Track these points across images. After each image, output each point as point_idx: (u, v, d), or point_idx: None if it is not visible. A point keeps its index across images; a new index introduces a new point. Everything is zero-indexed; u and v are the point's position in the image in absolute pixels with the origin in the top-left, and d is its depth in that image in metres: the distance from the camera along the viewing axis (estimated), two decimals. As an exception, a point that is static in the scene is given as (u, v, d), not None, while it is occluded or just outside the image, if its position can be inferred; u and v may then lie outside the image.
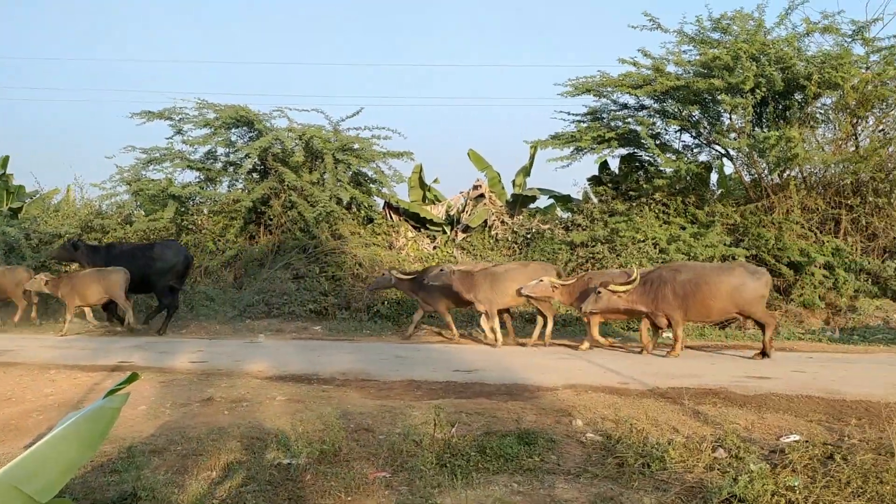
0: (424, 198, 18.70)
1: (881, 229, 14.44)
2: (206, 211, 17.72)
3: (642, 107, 16.07)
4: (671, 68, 15.03)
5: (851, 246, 14.37)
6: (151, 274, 13.25)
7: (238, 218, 17.02)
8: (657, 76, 14.70)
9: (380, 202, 18.43)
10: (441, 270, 11.61)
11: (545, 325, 11.56)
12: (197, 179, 17.76)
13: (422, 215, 17.73)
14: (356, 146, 17.25)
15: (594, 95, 16.01)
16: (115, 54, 56.60)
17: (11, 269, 14.55)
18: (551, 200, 18.59)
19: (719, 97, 13.67)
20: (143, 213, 18.01)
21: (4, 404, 7.06)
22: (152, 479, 4.67)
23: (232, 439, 5.57)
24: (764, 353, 9.88)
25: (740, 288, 9.83)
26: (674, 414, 6.34)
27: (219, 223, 17.21)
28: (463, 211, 17.88)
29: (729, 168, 16.67)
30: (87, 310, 13.94)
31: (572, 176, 35.46)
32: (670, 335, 12.94)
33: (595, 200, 16.73)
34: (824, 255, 13.89)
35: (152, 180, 17.18)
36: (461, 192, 18.43)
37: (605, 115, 16.30)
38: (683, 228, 14.80)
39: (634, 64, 15.27)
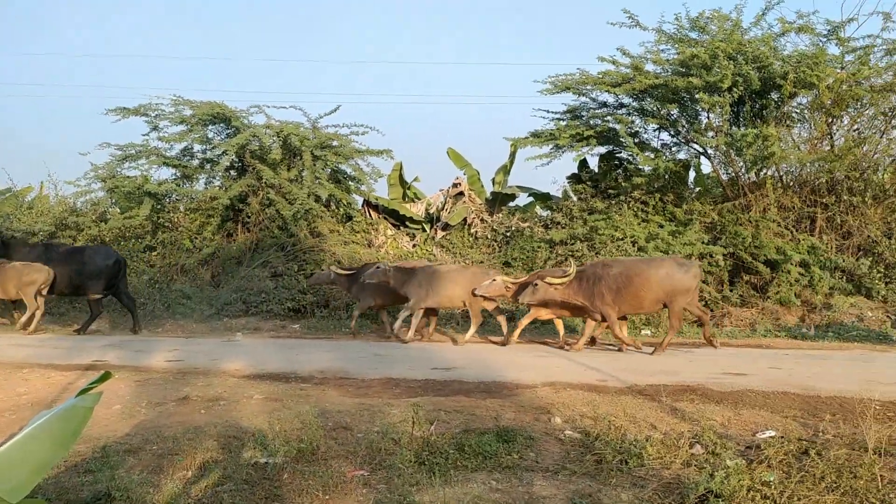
0: (405, 196, 18.66)
1: (855, 228, 14.62)
2: (182, 208, 17.54)
3: (621, 105, 16.14)
4: (650, 67, 15.12)
5: (826, 244, 14.54)
6: (82, 278, 13.08)
7: (215, 215, 16.86)
8: (636, 74, 14.77)
9: (359, 200, 18.37)
10: (377, 268, 11.78)
11: (511, 325, 11.74)
12: (173, 177, 17.58)
13: (401, 213, 17.68)
14: (335, 143, 17.18)
15: (574, 93, 16.07)
16: (89, 49, 55.92)
17: None
18: (531, 198, 18.63)
19: (697, 96, 13.76)
20: (119, 210, 17.79)
21: (-25, 404, 6.94)
22: (127, 479, 4.61)
23: (208, 438, 5.51)
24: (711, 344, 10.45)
25: (670, 280, 10.24)
26: (652, 411, 6.37)
27: (196, 221, 17.05)
28: (442, 209, 17.86)
29: (707, 167, 16.83)
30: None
31: (552, 174, 35.64)
32: (649, 332, 13.06)
33: (574, 198, 16.79)
34: (800, 253, 14.04)
35: (128, 177, 16.96)
36: (441, 190, 18.41)
37: (584, 114, 16.35)
38: (662, 226, 14.89)
39: (614, 62, 15.33)
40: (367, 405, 6.67)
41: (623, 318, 11.05)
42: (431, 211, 18.13)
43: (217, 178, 17.65)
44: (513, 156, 18.24)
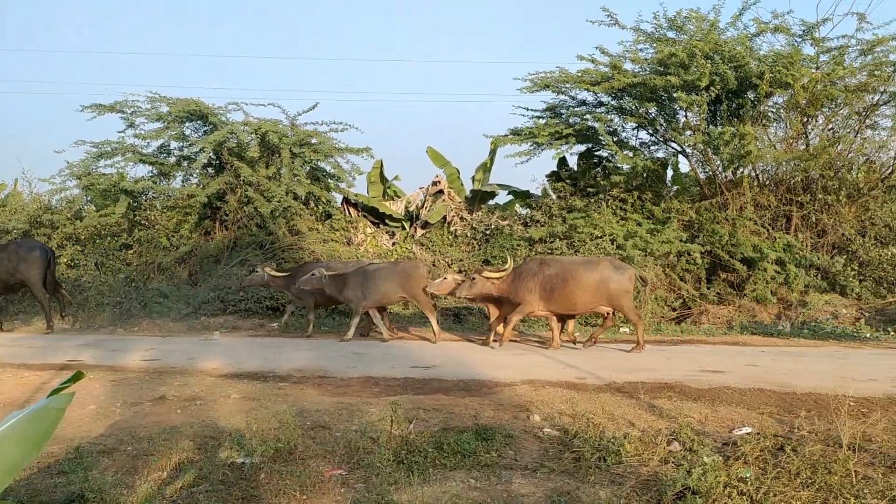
0: (385, 193, 18.60)
1: (830, 226, 14.81)
2: (159, 206, 17.32)
3: (600, 103, 16.20)
4: (628, 66, 15.20)
5: (802, 242, 14.72)
6: (12, 272, 13.00)
7: (192, 213, 16.70)
8: (615, 73, 14.83)
9: (338, 198, 18.28)
10: (312, 275, 11.86)
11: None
12: (150, 174, 17.39)
13: (381, 210, 17.62)
14: (314, 141, 17.07)
15: (553, 91, 16.10)
16: (64, 45, 55.19)
17: None
18: (511, 196, 18.65)
19: (675, 94, 13.84)
20: (94, 208, 17.57)
21: (-54, 405, 6.82)
22: (101, 480, 4.54)
23: (184, 438, 5.46)
24: (638, 346, 10.48)
25: (605, 282, 10.37)
26: (630, 408, 6.41)
27: (173, 219, 16.87)
28: (422, 207, 17.82)
29: (684, 166, 16.95)
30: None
31: (532, 172, 35.68)
32: (628, 329, 13.11)
33: (553, 196, 16.83)
34: (776, 250, 14.21)
35: (103, 175, 16.74)
36: (420, 188, 18.37)
37: (563, 112, 16.39)
38: (640, 224, 14.98)
39: (593, 61, 15.38)
40: (345, 404, 6.65)
41: (571, 317, 11.31)
42: (411, 209, 18.09)
43: (194, 175, 17.47)
44: (493, 153, 18.25)
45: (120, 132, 17.00)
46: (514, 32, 60.92)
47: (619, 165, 15.75)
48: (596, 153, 16.92)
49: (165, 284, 15.57)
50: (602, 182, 15.94)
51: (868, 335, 12.27)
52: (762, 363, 9.18)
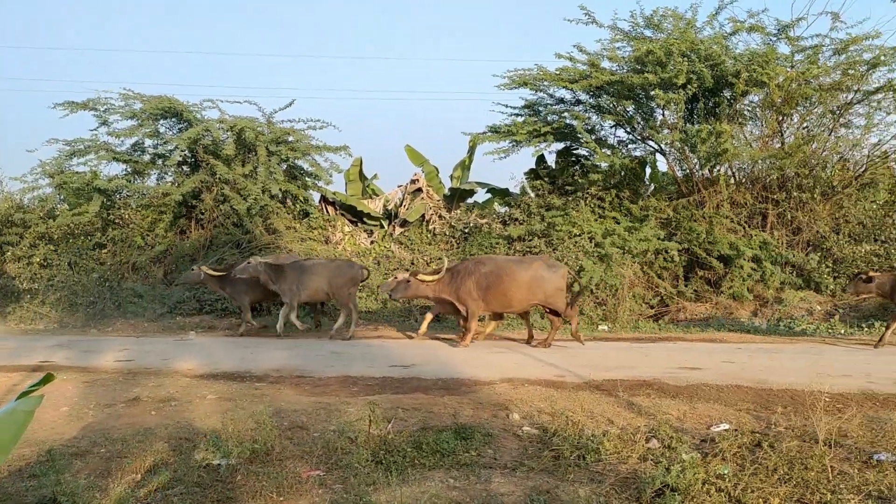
0: (364, 191, 18.51)
1: (805, 223, 14.97)
2: (133, 205, 17.11)
3: (578, 101, 16.24)
4: (606, 64, 15.25)
5: (777, 239, 14.87)
6: None
7: (167, 212, 16.52)
8: (592, 71, 14.88)
9: (316, 196, 18.16)
10: (248, 263, 11.90)
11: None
12: (124, 172, 17.14)
13: (359, 209, 17.53)
14: (290, 138, 16.93)
15: (531, 89, 16.12)
16: (35, 42, 54.36)
17: None
18: (489, 195, 18.64)
19: (652, 92, 13.91)
20: (67, 207, 17.30)
21: (-88, 408, 6.66)
22: (73, 483, 4.46)
23: (159, 440, 5.38)
24: (577, 339, 10.74)
25: (538, 280, 10.52)
26: (609, 406, 6.41)
27: (147, 217, 16.67)
28: (400, 205, 17.77)
29: (662, 164, 17.05)
30: None
31: (511, 169, 35.74)
32: (606, 327, 13.15)
33: (532, 194, 16.85)
34: (752, 248, 14.34)
35: (76, 173, 16.48)
36: (399, 186, 18.31)
37: (541, 109, 16.41)
38: (618, 222, 15.04)
39: (570, 59, 15.41)
40: (323, 404, 6.59)
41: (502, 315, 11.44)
42: (389, 207, 18.02)
43: (169, 173, 17.28)
44: (472, 151, 18.23)
45: (93, 130, 16.77)
46: (492, 31, 61.00)
47: (597, 164, 15.81)
48: (574, 151, 16.97)
49: (140, 284, 15.40)
50: (580, 180, 15.98)
51: (842, 331, 12.42)
52: (739, 360, 9.25)
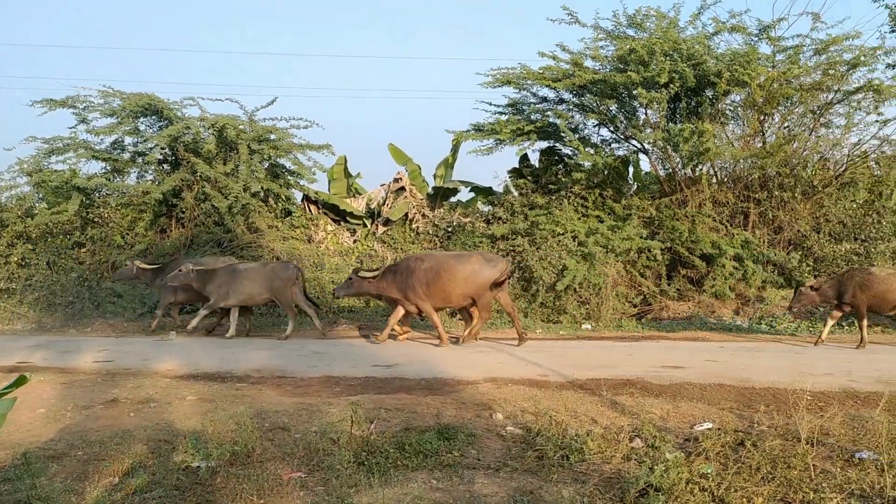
0: (349, 190, 18.42)
1: (786, 222, 15.09)
2: (113, 203, 16.90)
3: (561, 100, 16.26)
4: (589, 63, 15.29)
5: (759, 238, 14.97)
6: None
7: (148, 211, 16.33)
8: (576, 70, 14.90)
9: (299, 195, 18.03)
10: (179, 271, 11.90)
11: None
12: (103, 170, 16.90)
13: (342, 208, 17.44)
14: (272, 136, 16.78)
15: (515, 87, 16.13)
16: (12, 39, 53.65)
17: None
18: (473, 193, 18.63)
19: (635, 91, 13.95)
20: (46, 205, 17.06)
21: None
22: (49, 486, 4.38)
23: (137, 442, 5.30)
24: (521, 338, 10.74)
25: (477, 274, 10.55)
26: (592, 405, 6.40)
27: (127, 216, 16.48)
28: (384, 204, 17.70)
29: (645, 163, 17.11)
30: None
31: (494, 167, 35.80)
32: (589, 326, 13.16)
33: (515, 193, 16.84)
34: (734, 247, 14.42)
35: (55, 171, 16.23)
36: (382, 185, 18.24)
37: (525, 108, 16.42)
38: (601, 221, 15.07)
39: (554, 58, 15.43)
40: (305, 404, 6.53)
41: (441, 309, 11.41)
42: (372, 206, 17.95)
43: (149, 171, 17.07)
44: (455, 150, 18.20)
45: (71, 128, 16.52)
46: (477, 30, 60.99)
47: (580, 163, 15.83)
48: (557, 150, 17.00)
49: (119, 284, 15.20)
50: (563, 179, 16.00)
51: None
52: (721, 358, 9.28)
